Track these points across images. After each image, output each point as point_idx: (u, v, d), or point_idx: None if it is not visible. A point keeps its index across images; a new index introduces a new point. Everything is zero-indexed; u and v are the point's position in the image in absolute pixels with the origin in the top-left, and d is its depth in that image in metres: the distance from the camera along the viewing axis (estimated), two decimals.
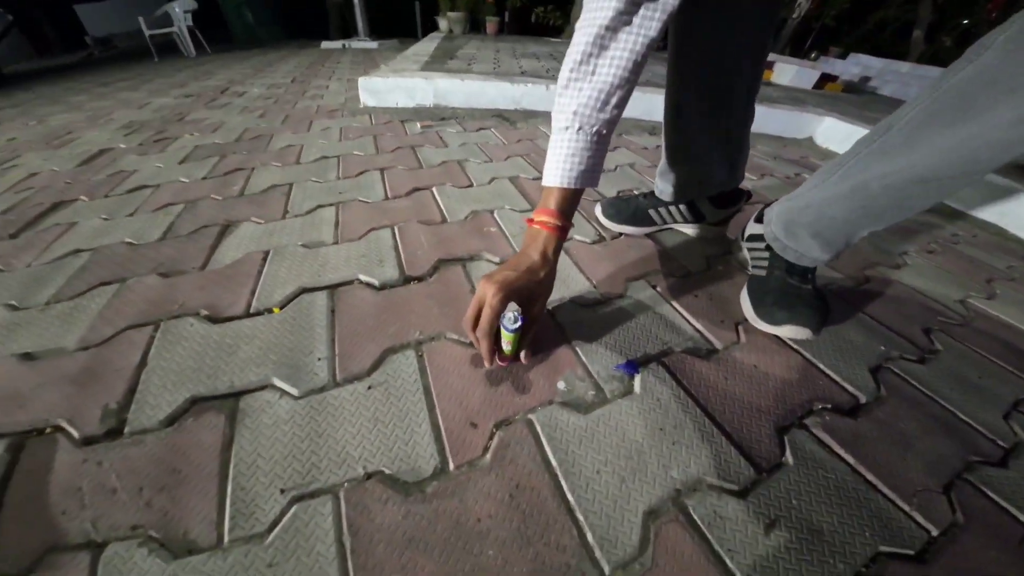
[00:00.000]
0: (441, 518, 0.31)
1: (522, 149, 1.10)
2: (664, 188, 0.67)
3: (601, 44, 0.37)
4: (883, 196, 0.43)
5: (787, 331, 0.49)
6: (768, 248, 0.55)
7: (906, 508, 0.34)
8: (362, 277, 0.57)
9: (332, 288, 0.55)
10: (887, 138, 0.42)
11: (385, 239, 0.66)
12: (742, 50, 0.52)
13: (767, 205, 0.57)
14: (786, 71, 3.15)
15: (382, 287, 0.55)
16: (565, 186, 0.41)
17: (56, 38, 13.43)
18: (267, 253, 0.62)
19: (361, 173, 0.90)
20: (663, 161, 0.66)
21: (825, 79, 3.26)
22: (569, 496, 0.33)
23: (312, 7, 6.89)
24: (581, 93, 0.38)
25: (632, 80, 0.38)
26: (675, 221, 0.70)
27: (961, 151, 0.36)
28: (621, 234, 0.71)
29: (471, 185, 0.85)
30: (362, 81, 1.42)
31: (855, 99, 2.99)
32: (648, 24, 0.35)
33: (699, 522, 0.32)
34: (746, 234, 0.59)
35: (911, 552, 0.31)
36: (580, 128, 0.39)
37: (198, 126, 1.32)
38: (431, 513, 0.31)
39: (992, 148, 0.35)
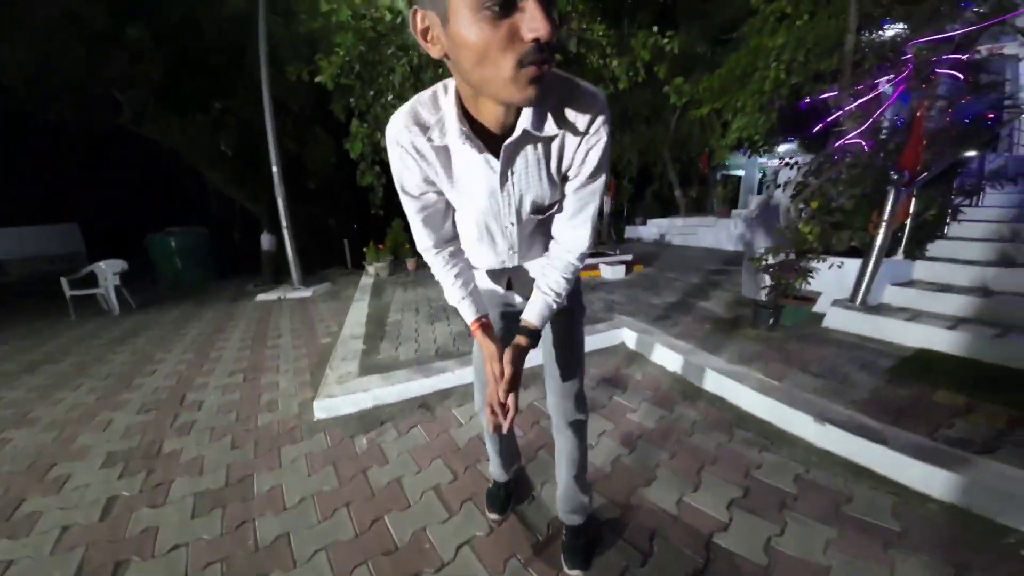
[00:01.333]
0: None
1: (441, 446, 1.72)
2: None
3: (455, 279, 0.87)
4: None
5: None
6: None
7: None
8: None
9: None
10: None
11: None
12: None
13: None
14: (606, 270, 4.70)
15: None
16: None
17: None
18: None
19: (334, 512, 1.37)
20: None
21: (629, 265, 4.88)
22: None
23: (239, 250, 7.94)
24: (465, 302, 0.86)
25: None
26: None
27: None
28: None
29: (409, 506, 1.39)
30: (316, 404, 2.02)
31: (650, 275, 4.46)
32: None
33: None
34: None
35: None
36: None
37: (183, 464, 1.69)
38: None
39: None
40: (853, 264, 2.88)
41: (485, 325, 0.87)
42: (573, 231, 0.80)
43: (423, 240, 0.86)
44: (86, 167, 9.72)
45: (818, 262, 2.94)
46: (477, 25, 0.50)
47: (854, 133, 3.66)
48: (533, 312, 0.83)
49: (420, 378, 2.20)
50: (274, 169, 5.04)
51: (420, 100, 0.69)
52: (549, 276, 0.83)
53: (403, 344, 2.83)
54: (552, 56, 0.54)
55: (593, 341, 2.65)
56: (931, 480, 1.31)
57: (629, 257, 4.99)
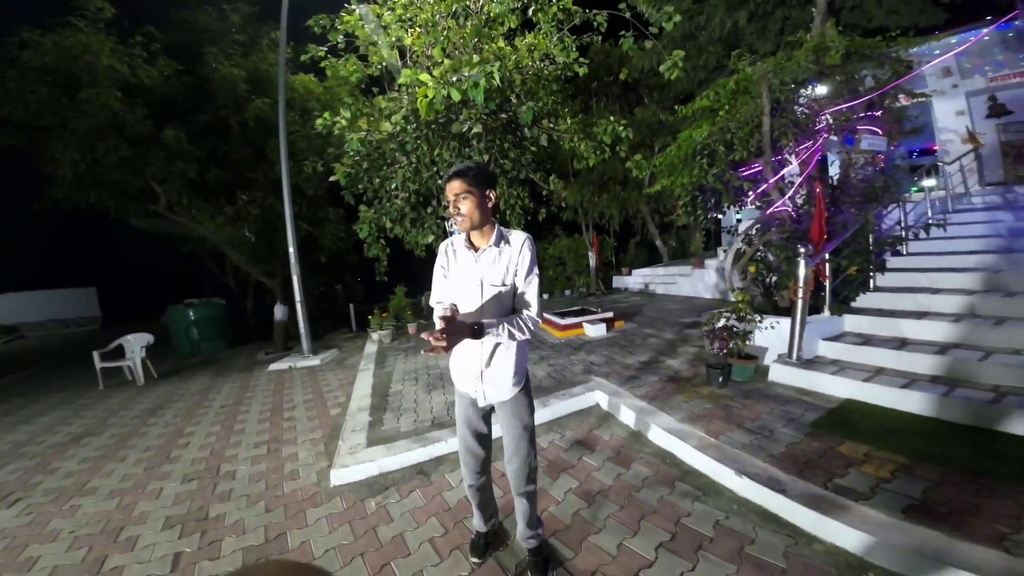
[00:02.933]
0: None
1: (435, 507, 2.10)
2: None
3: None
4: None
5: None
6: None
7: None
8: None
9: None
10: None
11: None
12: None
13: None
14: (589, 328, 5.09)
15: None
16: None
17: None
18: None
19: (352, 560, 1.76)
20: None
21: (611, 322, 5.28)
22: None
23: (252, 323, 8.49)
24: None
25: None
26: None
27: None
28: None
29: (410, 554, 1.77)
30: (332, 473, 2.43)
31: (629, 331, 4.84)
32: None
33: None
34: None
35: None
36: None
37: (228, 525, 2.07)
38: None
39: None
40: (787, 322, 3.34)
41: (446, 313, 1.35)
42: (522, 300, 1.40)
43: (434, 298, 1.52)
44: (108, 235, 10.55)
45: (759, 322, 3.43)
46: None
47: (779, 203, 4.33)
48: (490, 322, 1.31)
49: (418, 447, 2.62)
50: (291, 250, 5.72)
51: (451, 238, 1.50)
52: (514, 316, 1.37)
53: (404, 415, 3.25)
54: (464, 211, 1.33)
55: (570, 404, 3.07)
56: (817, 524, 1.68)
57: (610, 315, 5.47)
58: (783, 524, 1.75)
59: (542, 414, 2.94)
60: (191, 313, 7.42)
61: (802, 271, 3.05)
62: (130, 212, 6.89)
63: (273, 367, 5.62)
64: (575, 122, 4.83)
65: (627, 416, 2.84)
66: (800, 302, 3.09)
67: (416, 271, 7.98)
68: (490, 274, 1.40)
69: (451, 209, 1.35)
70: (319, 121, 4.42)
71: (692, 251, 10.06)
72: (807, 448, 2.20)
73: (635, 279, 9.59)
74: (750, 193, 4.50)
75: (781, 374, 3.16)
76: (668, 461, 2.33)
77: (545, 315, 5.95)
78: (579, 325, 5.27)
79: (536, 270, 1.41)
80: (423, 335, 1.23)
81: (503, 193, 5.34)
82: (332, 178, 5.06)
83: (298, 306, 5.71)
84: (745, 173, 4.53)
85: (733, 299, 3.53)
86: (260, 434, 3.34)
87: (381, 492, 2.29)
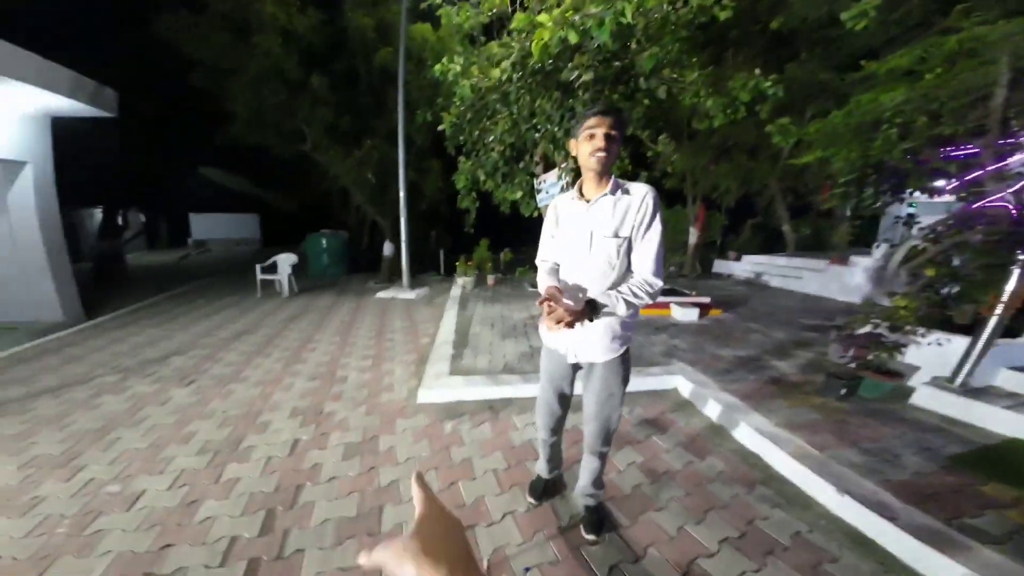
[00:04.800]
0: None
1: (501, 442, 2.28)
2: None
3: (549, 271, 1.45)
4: None
5: None
6: None
7: None
8: None
9: None
10: None
11: None
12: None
13: None
14: (677, 310, 4.70)
15: None
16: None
17: (166, 236, 17.43)
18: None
19: (427, 471, 2.03)
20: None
21: (705, 307, 4.76)
22: None
23: (366, 255, 9.76)
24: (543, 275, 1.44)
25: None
26: None
27: None
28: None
29: (475, 479, 1.97)
30: (420, 392, 2.78)
31: (726, 322, 4.38)
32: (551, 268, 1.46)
33: None
34: None
35: None
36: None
37: (336, 421, 2.54)
38: None
39: None
40: (961, 342, 2.67)
41: (550, 285, 1.32)
42: (638, 258, 1.28)
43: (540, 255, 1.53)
44: (268, 170, 12.88)
45: (921, 336, 2.76)
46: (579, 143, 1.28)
47: (998, 195, 3.23)
48: (601, 293, 1.23)
49: (491, 386, 2.83)
50: (401, 194, 6.27)
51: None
52: (627, 282, 1.27)
53: (480, 355, 3.49)
54: (609, 150, 1.23)
55: (645, 382, 2.95)
56: (920, 557, 1.44)
57: (706, 300, 4.91)
58: (876, 550, 1.54)
59: None
60: (323, 241, 8.82)
61: (1013, 283, 2.39)
62: (286, 151, 8.19)
63: (380, 295, 6.49)
64: (704, 74, 4.14)
65: (710, 407, 2.62)
66: (995, 319, 2.45)
67: (500, 228, 8.18)
68: (602, 224, 1.28)
69: (592, 146, 1.22)
70: (437, 67, 4.53)
71: (834, 243, 8.14)
72: (937, 481, 1.85)
73: (743, 266, 8.34)
74: (952, 180, 3.43)
75: (930, 399, 2.59)
76: (751, 462, 2.13)
77: None
78: (666, 305, 4.86)
79: (659, 226, 1.26)
80: (539, 306, 1.22)
81: None
82: (440, 128, 5.27)
83: (403, 245, 6.34)
84: (951, 154, 3.45)
85: (890, 304, 2.88)
86: (367, 348, 3.94)
87: (456, 417, 2.56)
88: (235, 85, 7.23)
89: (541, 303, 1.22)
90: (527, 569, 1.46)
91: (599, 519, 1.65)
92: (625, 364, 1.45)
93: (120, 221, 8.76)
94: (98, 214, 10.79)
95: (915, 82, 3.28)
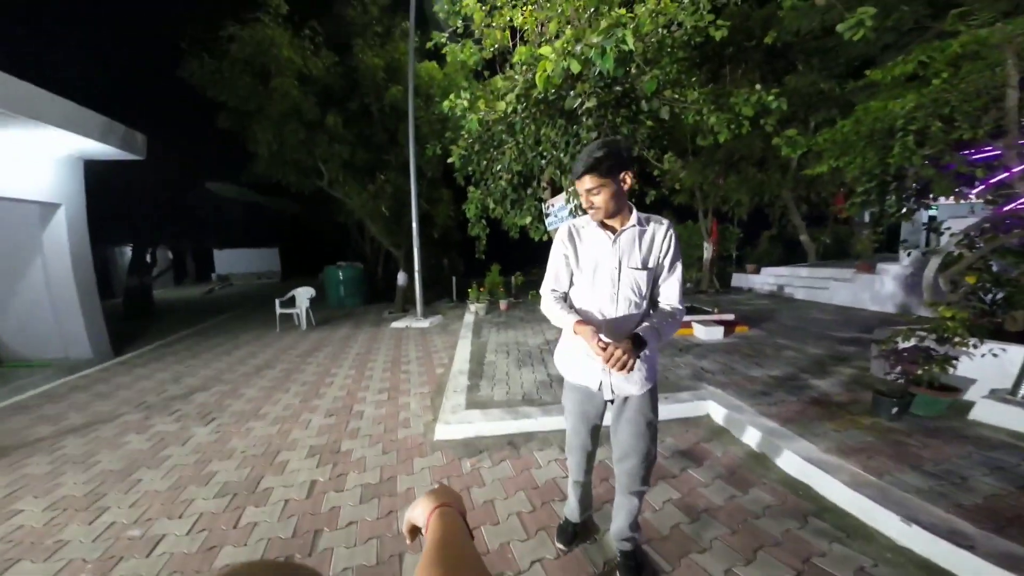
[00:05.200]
0: None
1: (523, 481, 2.16)
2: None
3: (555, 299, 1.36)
4: None
5: None
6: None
7: None
8: None
9: None
10: None
11: None
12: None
13: None
14: (700, 330, 4.52)
15: None
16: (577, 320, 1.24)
17: (193, 272, 18.08)
18: None
19: None
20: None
21: (730, 325, 4.54)
22: None
23: (381, 285, 9.90)
24: (565, 313, 1.28)
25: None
26: None
27: None
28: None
29: (499, 523, 1.86)
30: (438, 427, 2.69)
31: (755, 339, 4.18)
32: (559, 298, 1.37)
33: None
34: None
35: None
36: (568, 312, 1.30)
37: (353, 461, 2.46)
38: None
39: None
40: (1019, 351, 2.48)
41: (581, 321, 1.25)
42: (666, 288, 1.31)
43: (548, 284, 1.43)
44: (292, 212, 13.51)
45: (973, 347, 2.57)
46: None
47: None
48: (641, 328, 1.22)
49: (510, 419, 2.72)
50: (414, 224, 6.39)
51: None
52: (656, 311, 1.32)
53: (497, 385, 3.40)
54: (599, 204, 1.23)
55: (673, 410, 2.79)
56: None
57: (730, 317, 4.73)
58: None
59: None
60: (340, 273, 9.01)
61: None
62: (305, 186, 8.52)
63: (394, 324, 6.50)
64: (704, 92, 4.17)
65: (749, 434, 2.45)
66: None
67: (510, 252, 8.20)
68: (630, 256, 1.28)
69: (584, 203, 1.25)
70: (445, 104, 4.68)
71: (858, 251, 7.85)
72: (1016, 503, 1.67)
73: (764, 279, 8.12)
74: (977, 183, 3.30)
75: (992, 413, 2.39)
76: (801, 493, 1.96)
77: None
78: (687, 324, 4.70)
79: (680, 259, 1.33)
80: (595, 344, 1.14)
81: None
82: (449, 160, 5.40)
83: (415, 274, 6.40)
84: (973, 157, 3.34)
85: (932, 314, 2.72)
86: (383, 381, 3.90)
87: (476, 455, 2.45)
88: (257, 126, 7.64)
89: (598, 344, 1.14)
90: None
91: (637, 564, 1.53)
92: (656, 392, 1.43)
93: (149, 258, 9.16)
94: (128, 252, 11.34)
95: (922, 88, 3.22)
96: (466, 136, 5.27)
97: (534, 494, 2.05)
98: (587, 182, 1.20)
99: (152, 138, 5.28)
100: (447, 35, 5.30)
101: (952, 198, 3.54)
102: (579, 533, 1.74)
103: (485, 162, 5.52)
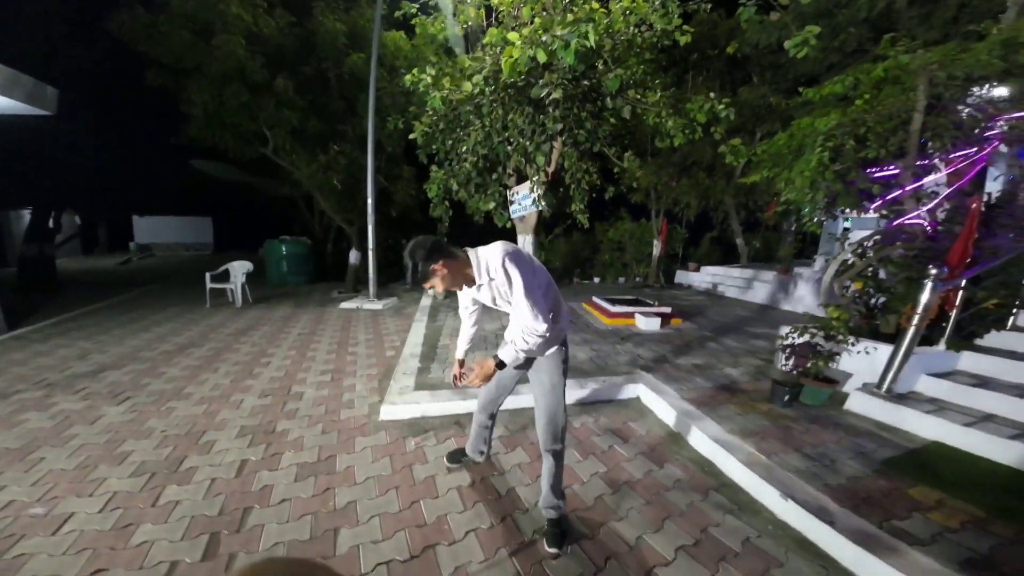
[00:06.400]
0: None
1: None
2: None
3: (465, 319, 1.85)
4: None
5: None
6: None
7: None
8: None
9: None
10: None
11: (402, 539, 1.66)
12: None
13: None
14: (641, 320, 4.84)
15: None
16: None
17: (105, 240, 15.97)
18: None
19: (387, 491, 1.96)
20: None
21: (667, 317, 4.97)
22: None
23: (330, 262, 9.40)
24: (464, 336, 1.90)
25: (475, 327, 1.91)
26: None
27: None
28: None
29: (438, 496, 1.92)
30: (382, 408, 2.69)
31: (686, 331, 4.62)
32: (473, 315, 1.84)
33: None
34: None
35: None
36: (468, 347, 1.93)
37: (289, 441, 2.40)
38: None
39: None
40: (886, 350, 2.92)
41: (461, 361, 1.93)
42: (519, 317, 1.47)
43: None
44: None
45: (851, 344, 3.01)
46: None
47: (912, 214, 3.62)
48: (501, 350, 1.54)
49: (457, 400, 2.78)
50: (369, 201, 6.13)
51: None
52: (512, 334, 1.52)
53: (449, 368, 3.43)
54: (441, 287, 1.52)
55: (609, 392, 3.02)
56: (858, 561, 1.54)
57: (667, 309, 5.13)
58: (819, 555, 1.63)
59: (577, 394, 2.94)
60: (283, 248, 8.41)
61: (926, 295, 2.63)
62: (245, 152, 7.79)
63: (343, 305, 6.25)
64: (665, 95, 4.39)
65: (669, 415, 2.72)
66: (912, 329, 2.68)
67: (473, 235, 8.09)
68: (496, 297, 1.57)
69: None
70: (407, 77, 4.51)
71: (781, 256, 8.80)
72: (871, 485, 1.98)
73: (702, 277, 8.82)
74: (876, 199, 3.81)
75: (862, 404, 2.81)
76: (706, 469, 2.22)
77: (595, 299, 5.76)
78: (630, 315, 5.04)
79: (518, 281, 1.42)
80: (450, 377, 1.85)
81: (571, 166, 5.10)
82: (411, 136, 5.22)
83: (370, 254, 6.18)
84: (876, 175, 3.83)
85: (825, 315, 3.12)
86: (326, 363, 3.77)
87: (421, 434, 2.49)
88: (193, 85, 6.87)
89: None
90: None
91: (561, 532, 1.66)
92: (561, 358, 1.66)
93: (52, 224, 7.96)
94: (26, 216, 9.76)
95: (847, 107, 3.64)
96: (431, 113, 5.11)
97: (475, 471, 2.14)
98: (426, 285, 1.52)
99: (65, 92, 4.57)
100: (418, 5, 5.08)
101: (857, 212, 4.08)
102: (466, 463, 2.16)
103: (450, 142, 5.39)
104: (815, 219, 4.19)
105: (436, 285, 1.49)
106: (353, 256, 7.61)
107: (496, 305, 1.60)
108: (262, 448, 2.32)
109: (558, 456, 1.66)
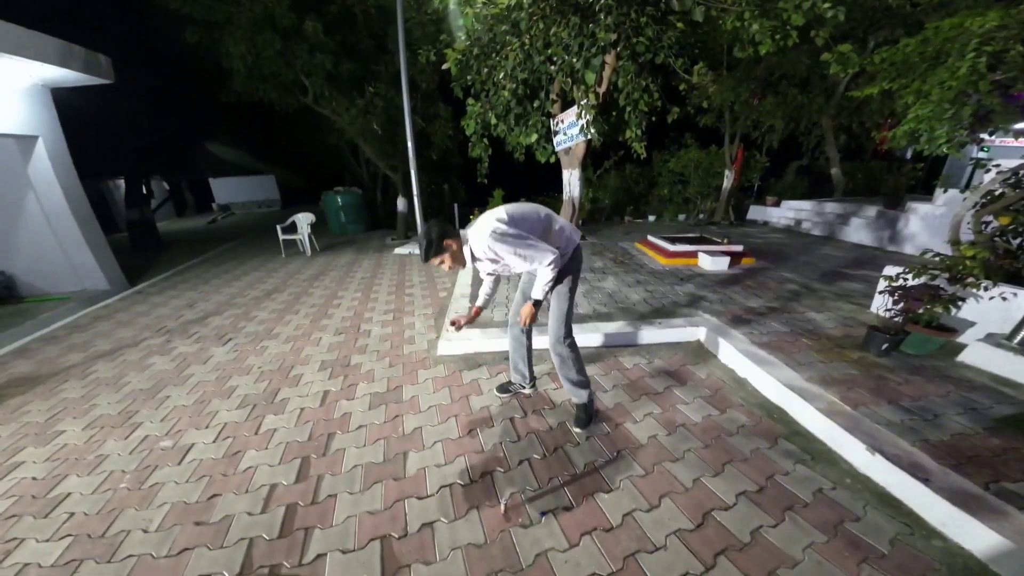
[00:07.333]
0: None
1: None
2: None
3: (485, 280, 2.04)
4: None
5: None
6: None
7: None
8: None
9: None
10: None
11: (462, 463, 1.81)
12: None
13: None
14: (706, 259, 4.39)
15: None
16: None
17: (193, 203, 17.94)
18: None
19: (447, 419, 2.12)
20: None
21: (737, 256, 4.46)
22: None
23: (381, 212, 9.67)
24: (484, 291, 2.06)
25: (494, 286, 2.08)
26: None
27: None
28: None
29: (493, 426, 2.04)
30: (440, 344, 2.84)
31: (760, 271, 4.30)
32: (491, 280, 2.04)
33: None
34: None
35: None
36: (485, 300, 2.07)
37: (362, 373, 2.65)
38: None
39: None
40: None
41: (479, 309, 2.07)
42: (528, 266, 1.73)
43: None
44: (281, 134, 12.71)
45: (984, 289, 2.49)
46: None
47: None
48: (534, 291, 1.78)
49: (506, 337, 2.81)
50: (409, 144, 6.00)
51: None
52: (536, 276, 1.78)
53: (497, 308, 3.49)
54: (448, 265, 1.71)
55: (665, 334, 2.88)
56: (949, 520, 1.38)
57: (738, 247, 4.56)
58: (904, 512, 1.49)
59: (627, 334, 2.89)
60: (339, 199, 8.79)
61: None
62: (289, 104, 7.90)
63: (397, 251, 6.55)
64: None
65: (734, 359, 2.53)
66: None
67: (515, 176, 7.75)
68: (494, 267, 1.80)
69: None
70: None
71: (889, 187, 7.12)
72: (980, 443, 1.72)
73: (782, 212, 7.62)
74: None
75: (982, 356, 2.36)
76: (775, 416, 2.07)
77: (650, 238, 5.32)
78: (693, 254, 4.55)
79: (507, 253, 1.66)
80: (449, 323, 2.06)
81: (627, 84, 4.40)
82: (444, 66, 4.85)
83: (415, 200, 6.21)
84: None
85: (955, 253, 2.57)
86: (388, 303, 4.05)
87: (475, 368, 2.62)
88: (229, 38, 6.87)
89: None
90: (543, 514, 1.53)
91: (587, 416, 1.99)
92: (568, 288, 1.88)
93: (144, 190, 8.97)
94: (122, 185, 11.08)
95: (1010, 8, 2.64)
96: (463, 38, 4.64)
97: (527, 403, 2.23)
98: (433, 263, 1.69)
99: (118, 61, 4.80)
100: None
101: (1015, 136, 3.11)
102: (512, 390, 2.32)
103: (486, 69, 4.95)
104: (953, 141, 3.25)
105: (445, 262, 1.67)
106: (401, 204, 7.73)
107: (499, 271, 1.85)
108: (340, 380, 2.60)
109: (562, 358, 1.92)
